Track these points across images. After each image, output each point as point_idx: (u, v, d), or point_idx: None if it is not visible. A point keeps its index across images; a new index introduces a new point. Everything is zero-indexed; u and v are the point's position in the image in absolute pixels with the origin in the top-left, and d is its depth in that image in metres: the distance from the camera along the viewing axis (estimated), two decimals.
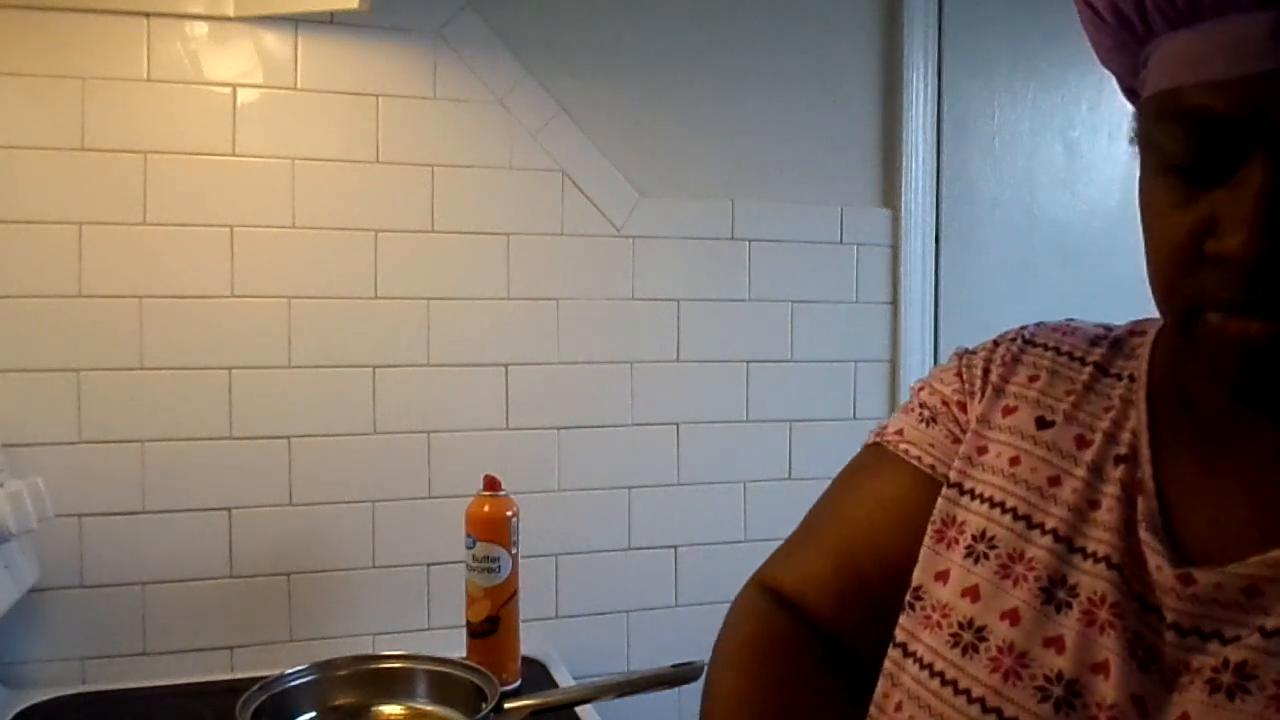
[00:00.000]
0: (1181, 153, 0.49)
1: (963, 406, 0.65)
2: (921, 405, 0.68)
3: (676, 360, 1.58)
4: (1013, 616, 0.55)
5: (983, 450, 0.62)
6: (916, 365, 1.69)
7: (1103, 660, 0.52)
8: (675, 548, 1.60)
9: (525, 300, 1.50)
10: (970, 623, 0.56)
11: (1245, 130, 0.46)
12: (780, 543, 0.74)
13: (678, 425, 1.59)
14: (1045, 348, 0.65)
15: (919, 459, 0.66)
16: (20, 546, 1.21)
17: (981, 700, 0.54)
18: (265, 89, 1.38)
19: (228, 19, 1.36)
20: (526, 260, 1.50)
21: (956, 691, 0.55)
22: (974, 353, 0.68)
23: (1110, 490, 0.56)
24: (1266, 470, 0.53)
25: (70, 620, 1.33)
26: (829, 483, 0.72)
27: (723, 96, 1.59)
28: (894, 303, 1.68)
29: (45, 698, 1.27)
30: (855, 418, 1.68)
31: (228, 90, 1.37)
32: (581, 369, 1.53)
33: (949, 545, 0.60)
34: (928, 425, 0.67)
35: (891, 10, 1.67)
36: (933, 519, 0.62)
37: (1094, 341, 0.64)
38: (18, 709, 1.23)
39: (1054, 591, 0.55)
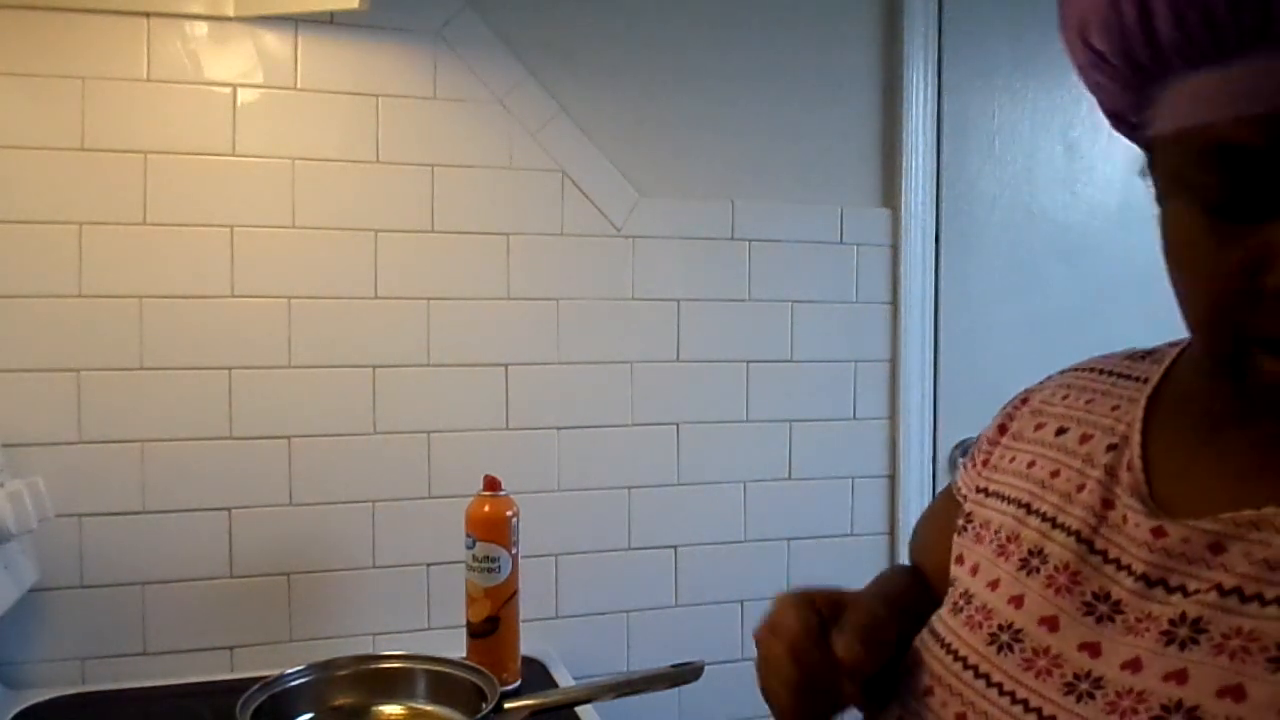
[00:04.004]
0: (1218, 188, 0.48)
1: (1001, 429, 0.72)
2: (978, 441, 0.77)
3: (676, 360, 1.58)
4: (994, 584, 0.62)
5: (1011, 459, 0.69)
6: (916, 365, 1.69)
7: (1051, 615, 0.57)
8: (675, 548, 1.60)
9: (525, 300, 1.50)
10: (965, 591, 0.64)
11: None
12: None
13: (678, 425, 1.59)
14: (1084, 370, 0.70)
15: (959, 490, 0.76)
16: (20, 546, 1.21)
17: (948, 645, 0.62)
18: (265, 89, 1.38)
19: (228, 19, 1.36)
20: (526, 260, 1.50)
21: (937, 642, 0.63)
22: (1030, 389, 0.75)
23: (1095, 474, 0.61)
24: (1250, 449, 0.55)
25: (70, 620, 1.33)
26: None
27: (723, 96, 1.59)
28: (894, 303, 1.68)
29: (45, 698, 1.27)
30: (855, 418, 1.68)
31: (228, 90, 1.37)
32: (581, 369, 1.53)
33: (976, 539, 0.67)
34: (971, 459, 0.76)
35: (891, 10, 1.67)
36: (966, 519, 0.70)
37: (1129, 356, 0.69)
38: (18, 709, 1.23)
39: (1030, 560, 0.61)
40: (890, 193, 1.68)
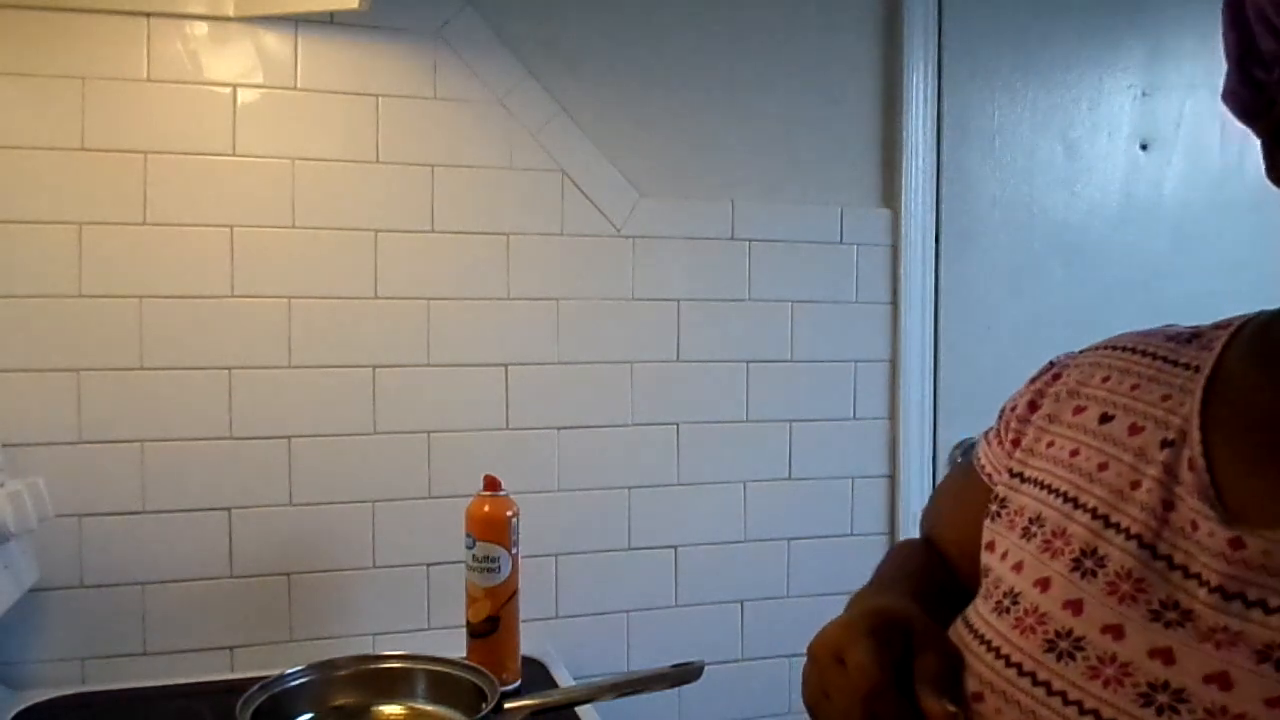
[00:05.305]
0: None
1: (1032, 406, 0.70)
2: (1001, 413, 0.75)
3: (676, 360, 1.58)
4: (1044, 584, 0.59)
5: (1050, 444, 0.66)
6: (916, 365, 1.69)
7: (1115, 624, 0.54)
8: (675, 548, 1.60)
9: (525, 300, 1.50)
10: (1010, 591, 0.61)
11: None
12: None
13: (678, 425, 1.59)
14: (1123, 349, 0.67)
15: (983, 468, 0.74)
16: (20, 546, 1.21)
17: (996, 649, 0.58)
18: (265, 89, 1.38)
19: (228, 19, 1.36)
20: (526, 260, 1.50)
21: (983, 645, 0.60)
22: (1058, 360, 0.72)
23: (1152, 472, 0.58)
24: None
25: (70, 620, 1.33)
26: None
27: (723, 96, 1.59)
28: (894, 303, 1.69)
29: (45, 698, 1.27)
30: (855, 418, 1.68)
31: (228, 90, 1.37)
32: (581, 369, 1.53)
33: (1010, 526, 0.64)
34: (996, 435, 0.74)
35: (891, 11, 1.67)
36: (999, 504, 0.67)
37: (1171, 338, 0.66)
38: (18, 709, 1.23)
39: (1083, 561, 0.58)
40: (890, 193, 1.68)
